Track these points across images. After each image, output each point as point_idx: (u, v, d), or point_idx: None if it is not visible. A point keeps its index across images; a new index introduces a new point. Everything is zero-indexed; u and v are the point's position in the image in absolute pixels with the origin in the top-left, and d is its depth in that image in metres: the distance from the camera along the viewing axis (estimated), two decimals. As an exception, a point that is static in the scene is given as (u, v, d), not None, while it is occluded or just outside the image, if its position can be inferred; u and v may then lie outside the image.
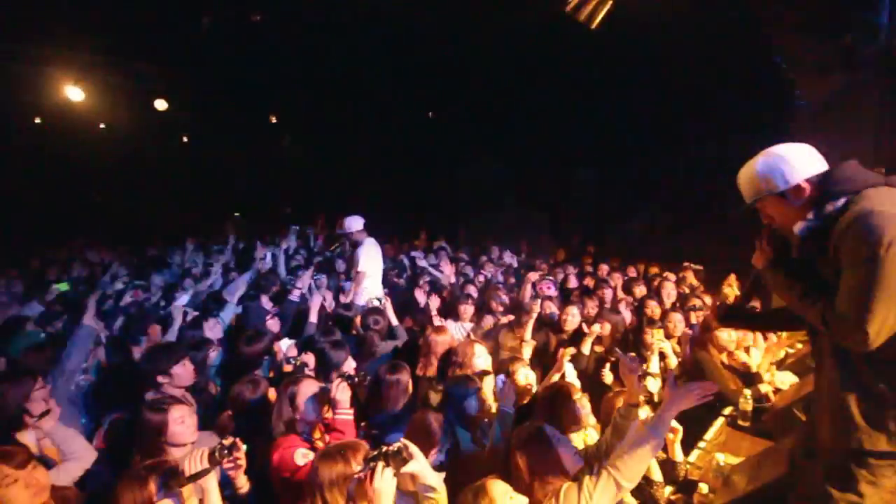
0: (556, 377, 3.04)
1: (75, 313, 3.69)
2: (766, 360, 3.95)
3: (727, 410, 3.40)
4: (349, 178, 12.88)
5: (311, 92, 11.50)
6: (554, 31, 6.95)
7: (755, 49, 5.66)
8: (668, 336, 4.16)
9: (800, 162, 1.73)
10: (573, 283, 6.04)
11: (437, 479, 1.93)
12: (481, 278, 6.52)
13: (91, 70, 8.82)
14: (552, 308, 4.75)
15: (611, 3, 4.92)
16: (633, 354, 4.02)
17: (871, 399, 1.59)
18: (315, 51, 9.89)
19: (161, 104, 10.03)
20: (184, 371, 3.05)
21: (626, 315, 4.58)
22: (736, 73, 6.31)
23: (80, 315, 3.41)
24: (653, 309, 4.63)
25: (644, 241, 8.31)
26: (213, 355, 3.81)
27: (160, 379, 2.96)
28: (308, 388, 2.48)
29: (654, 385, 3.72)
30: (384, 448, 1.79)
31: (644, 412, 2.41)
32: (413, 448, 1.85)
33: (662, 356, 3.89)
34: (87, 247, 8.34)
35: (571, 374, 3.32)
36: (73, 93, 8.85)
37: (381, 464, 1.72)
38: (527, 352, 3.54)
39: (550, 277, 5.64)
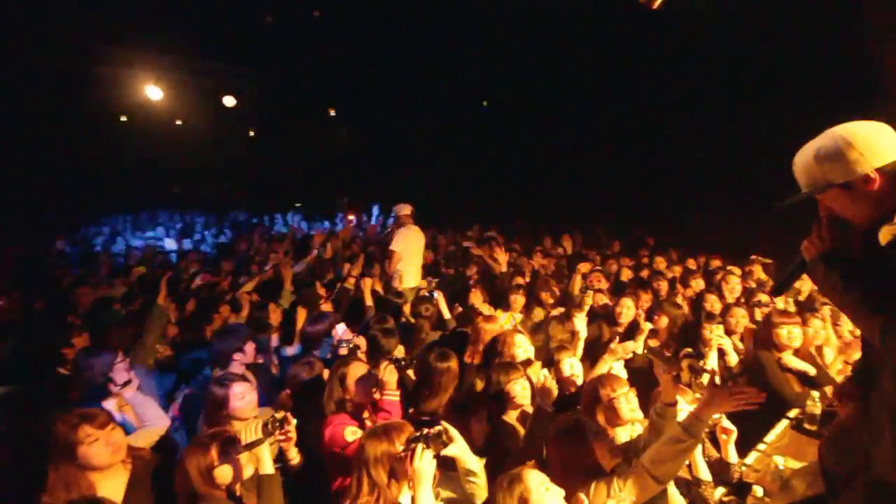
0: (602, 369, 2.98)
1: (151, 294, 4.04)
2: (839, 360, 3.68)
3: (792, 413, 3.20)
4: (404, 168, 13.09)
5: (366, 85, 11.78)
6: (610, 10, 6.69)
7: (832, 21, 5.17)
8: (730, 332, 3.97)
9: (870, 147, 1.39)
10: (627, 274, 5.85)
11: (477, 464, 1.98)
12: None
13: (167, 70, 9.49)
14: (605, 300, 4.66)
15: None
16: (689, 350, 3.89)
17: None
18: (371, 44, 10.11)
19: (230, 101, 10.64)
20: (249, 350, 3.30)
21: (685, 308, 4.40)
22: (809, 49, 5.75)
23: (155, 295, 3.73)
24: (712, 303, 4.42)
25: (706, 233, 7.88)
26: (275, 338, 4.07)
27: (236, 357, 3.21)
28: (357, 370, 2.60)
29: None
30: (425, 430, 1.85)
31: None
32: (453, 432, 1.91)
33: (722, 353, 3.72)
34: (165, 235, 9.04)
35: (619, 368, 3.25)
36: (153, 92, 9.57)
37: (421, 445, 1.79)
38: (579, 347, 3.49)
39: (601, 269, 5.50)
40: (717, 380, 3.61)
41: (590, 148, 9.90)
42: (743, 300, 4.67)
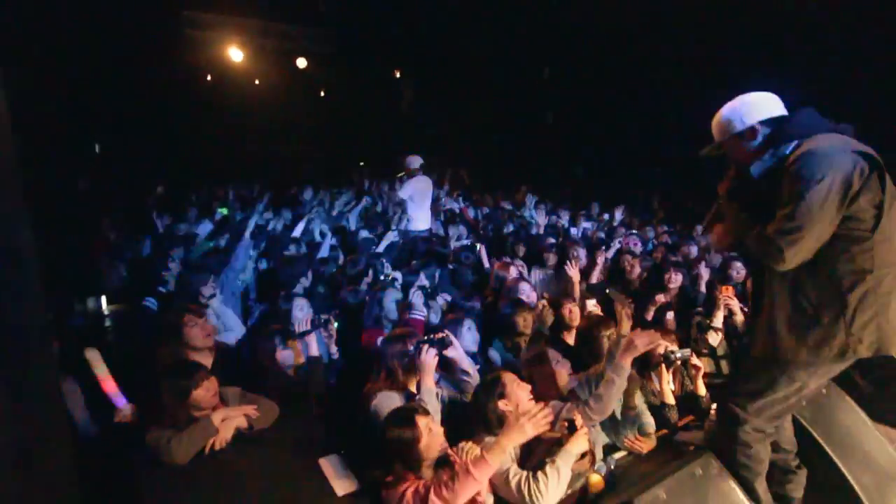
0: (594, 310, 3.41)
1: (233, 230, 4.85)
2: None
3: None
4: (464, 131, 13.41)
5: (432, 48, 12.08)
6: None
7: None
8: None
9: (757, 106, 1.95)
10: (664, 240, 6.05)
11: (470, 366, 2.52)
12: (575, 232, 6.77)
13: (247, 33, 10.30)
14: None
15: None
16: (699, 308, 4.20)
17: (798, 315, 1.87)
18: (437, 8, 10.36)
19: (301, 62, 11.37)
20: (309, 276, 4.03)
21: (704, 273, 4.63)
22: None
23: (238, 232, 4.51)
24: (738, 270, 4.61)
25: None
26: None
27: (301, 281, 3.95)
28: (391, 294, 3.21)
29: (715, 339, 3.87)
30: (431, 335, 2.41)
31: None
32: (453, 339, 2.45)
33: (732, 313, 3.97)
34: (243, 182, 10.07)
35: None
36: (235, 54, 10.47)
37: (426, 346, 2.35)
38: (576, 291, 3.90)
39: (636, 233, 5.75)
40: (721, 336, 3.91)
41: (649, 120, 9.72)
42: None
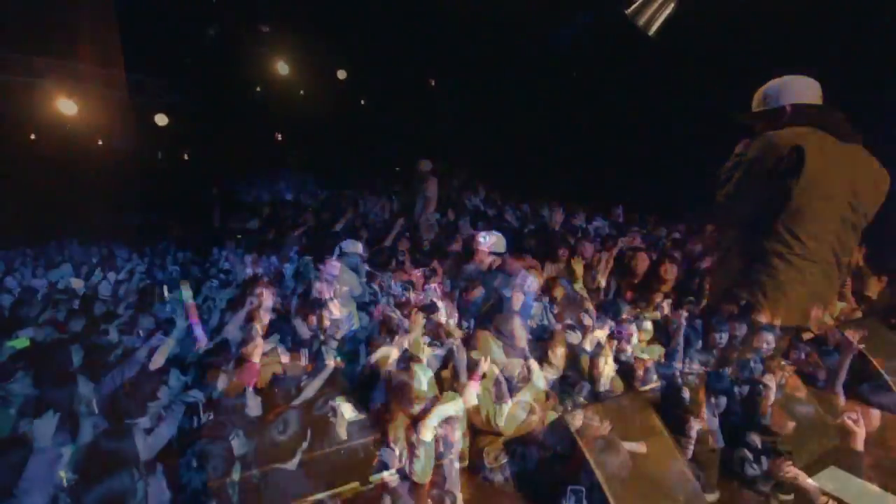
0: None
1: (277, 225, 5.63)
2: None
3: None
4: (495, 136, 13.88)
5: (464, 58, 12.66)
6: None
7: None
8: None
9: (792, 89, 2.17)
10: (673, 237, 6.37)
11: (455, 329, 3.07)
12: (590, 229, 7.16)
13: (293, 49, 11.28)
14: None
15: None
16: (691, 298, 4.59)
17: (730, 272, 2.31)
18: (468, 20, 10.91)
19: (342, 73, 12.27)
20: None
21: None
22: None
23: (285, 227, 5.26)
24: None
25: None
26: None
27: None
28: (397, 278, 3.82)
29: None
30: (420, 304, 2.99)
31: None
32: (440, 306, 3.02)
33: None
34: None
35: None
36: (282, 67, 11.48)
37: (416, 310, 2.93)
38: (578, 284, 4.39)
39: (636, 228, 6.13)
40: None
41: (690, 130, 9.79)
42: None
